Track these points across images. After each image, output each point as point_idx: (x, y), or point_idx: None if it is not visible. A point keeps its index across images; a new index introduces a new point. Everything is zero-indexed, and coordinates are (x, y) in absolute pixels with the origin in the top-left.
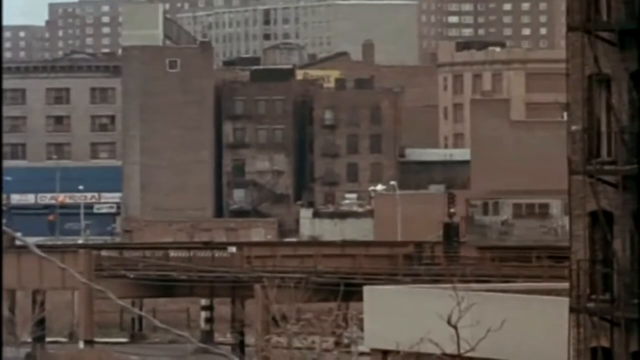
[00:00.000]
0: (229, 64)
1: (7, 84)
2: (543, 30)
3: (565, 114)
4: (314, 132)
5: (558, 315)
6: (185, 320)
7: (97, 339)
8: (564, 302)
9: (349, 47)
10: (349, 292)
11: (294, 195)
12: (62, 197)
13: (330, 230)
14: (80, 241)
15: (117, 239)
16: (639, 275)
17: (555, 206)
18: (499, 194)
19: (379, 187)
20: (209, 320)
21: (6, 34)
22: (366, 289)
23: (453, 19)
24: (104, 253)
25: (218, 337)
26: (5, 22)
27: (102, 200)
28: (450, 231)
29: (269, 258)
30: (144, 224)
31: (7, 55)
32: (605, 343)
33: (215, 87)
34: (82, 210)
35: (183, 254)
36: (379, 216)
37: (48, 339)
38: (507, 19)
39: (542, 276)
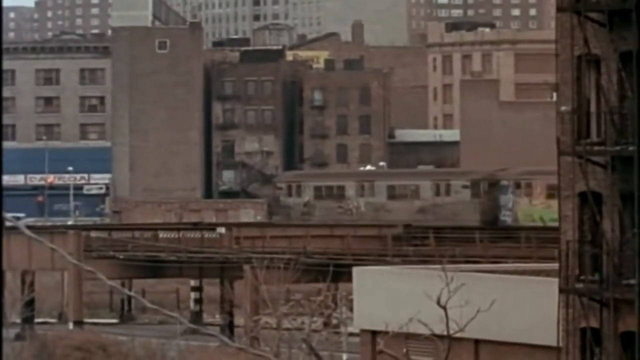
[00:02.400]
0: (218, 44)
1: None
2: (532, 11)
3: (554, 95)
4: (303, 112)
5: (547, 296)
6: (175, 301)
7: (86, 320)
8: (553, 282)
9: (339, 28)
10: (338, 273)
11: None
12: (52, 178)
13: None
14: (69, 222)
15: (106, 220)
16: (628, 255)
17: (351, 188)
18: (302, 177)
19: (368, 167)
20: (198, 301)
21: None
22: (355, 270)
23: (442, 0)
24: (93, 234)
25: (207, 318)
26: None
27: (92, 181)
28: None
29: (258, 239)
30: (133, 205)
31: None
32: (594, 324)
33: (205, 68)
34: (71, 191)
35: (172, 234)
36: None
37: (37, 320)
38: (496, 0)
39: (532, 257)
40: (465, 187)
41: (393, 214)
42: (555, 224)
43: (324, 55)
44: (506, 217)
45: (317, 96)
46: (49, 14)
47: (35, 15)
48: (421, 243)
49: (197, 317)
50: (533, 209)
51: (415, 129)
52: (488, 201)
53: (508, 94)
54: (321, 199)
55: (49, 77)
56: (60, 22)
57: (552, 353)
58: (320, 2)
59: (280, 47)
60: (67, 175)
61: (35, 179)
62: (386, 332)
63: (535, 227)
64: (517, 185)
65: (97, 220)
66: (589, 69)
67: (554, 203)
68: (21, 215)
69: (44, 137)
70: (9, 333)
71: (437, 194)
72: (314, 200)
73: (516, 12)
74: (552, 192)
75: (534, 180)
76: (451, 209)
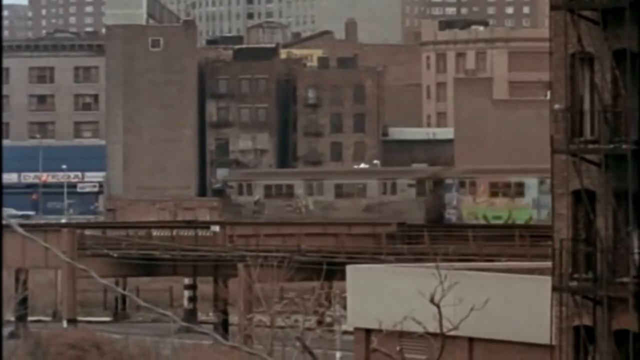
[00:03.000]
0: (212, 42)
1: None
2: (526, 9)
3: (548, 93)
4: (297, 111)
5: (541, 294)
6: (168, 299)
7: (80, 318)
8: (547, 280)
9: (332, 26)
10: (332, 271)
11: None
12: (45, 176)
13: None
14: (63, 220)
15: (100, 218)
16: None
17: (299, 187)
18: (253, 176)
19: (362, 165)
20: (192, 299)
21: None
22: (349, 268)
23: None
24: (87, 232)
25: (201, 316)
26: None
27: (85, 179)
28: None
29: (252, 237)
30: (127, 203)
31: None
32: (587, 322)
33: (199, 66)
34: (65, 189)
35: (166, 232)
36: None
37: (31, 318)
38: None
39: (525, 255)
40: (411, 185)
41: (340, 212)
42: (498, 221)
43: (317, 53)
44: (451, 215)
45: (311, 94)
46: (43, 12)
47: (29, 14)
48: (415, 241)
49: (191, 315)
50: (477, 207)
51: (409, 127)
52: (433, 199)
53: (502, 92)
54: (271, 198)
55: (43, 75)
56: (54, 20)
57: (545, 351)
58: (314, 1)
59: (274, 45)
60: (61, 174)
61: (29, 177)
62: (380, 330)
63: (486, 225)
64: (462, 184)
65: (91, 218)
66: (583, 67)
67: (497, 201)
68: (31, 213)
69: (38, 135)
70: (3, 331)
71: (384, 192)
72: (264, 199)
73: (510, 10)
74: (495, 191)
75: (478, 178)
76: (397, 207)
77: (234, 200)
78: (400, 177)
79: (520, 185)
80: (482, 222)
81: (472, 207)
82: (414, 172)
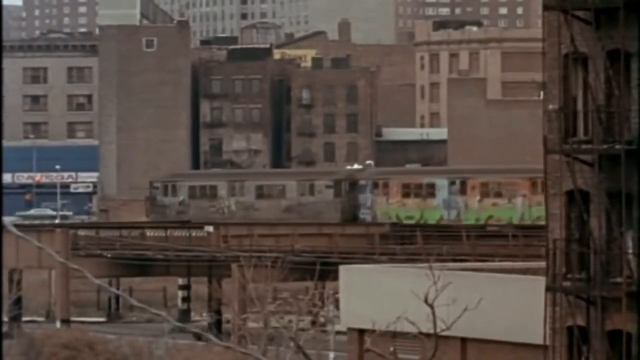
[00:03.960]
0: (206, 43)
1: None
2: (519, 10)
3: (541, 93)
4: (290, 111)
5: (534, 294)
6: (162, 299)
7: (73, 319)
8: (540, 281)
9: (326, 26)
10: (325, 271)
11: None
12: (39, 177)
13: None
14: (56, 220)
15: (94, 218)
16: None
17: (222, 188)
18: (177, 177)
19: (356, 166)
20: (186, 299)
21: None
22: (342, 268)
23: None
24: (80, 232)
25: (195, 316)
26: None
27: (79, 180)
28: None
29: (246, 237)
30: (120, 204)
31: None
32: (581, 322)
33: (192, 66)
34: (58, 190)
35: (160, 233)
36: None
37: (24, 318)
38: None
39: (519, 255)
40: (328, 187)
41: (261, 212)
42: (411, 221)
43: (311, 53)
44: (365, 215)
45: (305, 94)
46: (37, 12)
47: (23, 14)
48: (408, 241)
49: (185, 315)
50: (389, 207)
51: (403, 127)
52: (348, 200)
53: (495, 92)
54: (195, 198)
55: (37, 76)
56: (47, 21)
57: (538, 351)
58: (308, 1)
59: (267, 45)
60: (54, 174)
61: (23, 178)
62: (373, 331)
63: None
64: (375, 185)
65: (84, 218)
66: (576, 67)
67: (408, 201)
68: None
69: (32, 136)
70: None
71: (302, 193)
72: (189, 200)
73: (503, 10)
74: (407, 191)
75: (391, 180)
76: (315, 207)
77: (159, 201)
78: (318, 179)
79: (431, 186)
80: (395, 220)
81: (385, 207)
82: (331, 173)
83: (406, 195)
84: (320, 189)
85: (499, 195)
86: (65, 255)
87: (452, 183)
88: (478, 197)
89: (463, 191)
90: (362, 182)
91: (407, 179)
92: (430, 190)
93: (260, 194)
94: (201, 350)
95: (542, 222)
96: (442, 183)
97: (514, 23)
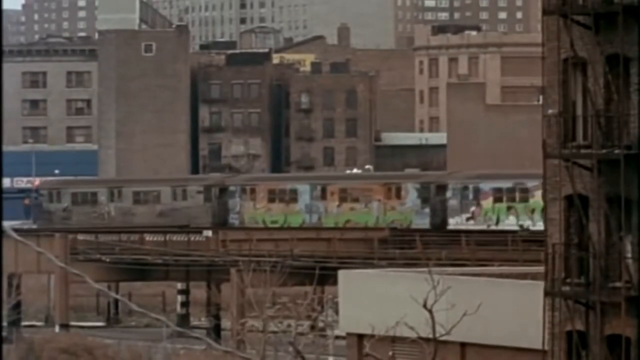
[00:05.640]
0: (205, 47)
1: None
2: (519, 14)
3: (540, 98)
4: (289, 115)
5: (533, 299)
6: (161, 304)
7: (73, 323)
8: (539, 285)
9: (325, 31)
10: (324, 276)
11: None
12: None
13: None
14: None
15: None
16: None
17: (103, 194)
18: (61, 184)
19: (355, 170)
20: (185, 304)
21: None
22: (341, 273)
23: (429, 3)
24: (79, 237)
25: (194, 321)
26: None
27: None
28: None
29: (245, 242)
30: None
31: None
32: (580, 327)
33: (191, 70)
34: None
35: (159, 237)
36: None
37: (24, 323)
38: (483, 3)
39: (518, 260)
40: (199, 192)
41: (138, 217)
42: (275, 225)
43: (310, 58)
44: (234, 220)
45: (304, 99)
46: (36, 17)
47: (22, 18)
48: (407, 246)
49: (183, 320)
50: (256, 212)
51: (402, 132)
52: (218, 205)
53: (494, 97)
54: (78, 205)
55: (36, 80)
56: (46, 25)
57: (537, 356)
58: (307, 6)
59: (266, 50)
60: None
61: (22, 182)
62: (372, 335)
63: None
64: (243, 191)
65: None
66: (576, 71)
67: (274, 206)
68: None
69: (31, 140)
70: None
71: (175, 198)
72: (72, 206)
73: (503, 15)
74: (272, 197)
75: (257, 186)
76: (187, 212)
77: (45, 208)
78: (190, 185)
79: (294, 192)
80: (261, 225)
81: (252, 212)
82: (201, 179)
83: (271, 200)
84: (192, 194)
85: (356, 200)
86: (65, 259)
87: (314, 189)
88: (337, 202)
89: (323, 197)
90: (232, 187)
91: (273, 185)
92: (294, 196)
93: (137, 199)
94: (200, 355)
95: (395, 226)
96: (304, 189)
97: (513, 28)
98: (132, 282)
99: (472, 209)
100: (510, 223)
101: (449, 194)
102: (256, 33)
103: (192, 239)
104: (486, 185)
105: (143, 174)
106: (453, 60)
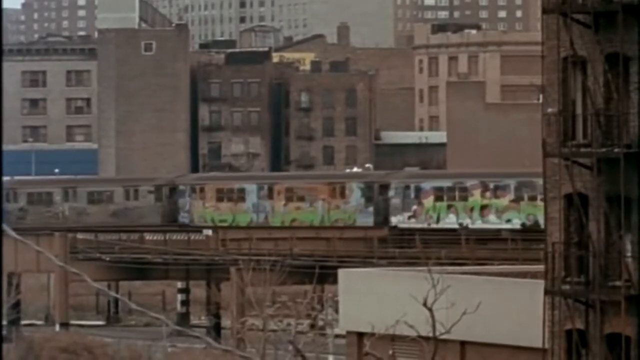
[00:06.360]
0: (204, 46)
1: None
2: (519, 13)
3: (540, 97)
4: (289, 114)
5: (533, 297)
6: (161, 302)
7: (72, 322)
8: (539, 284)
9: (325, 30)
10: (324, 274)
11: None
12: None
13: None
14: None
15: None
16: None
17: (57, 194)
18: (17, 184)
19: (355, 169)
20: (185, 302)
21: None
22: (341, 272)
23: (429, 2)
24: (79, 236)
25: (194, 320)
26: None
27: None
28: None
29: (244, 241)
30: None
31: None
32: (580, 325)
33: (191, 69)
34: None
35: (158, 236)
36: None
37: (23, 322)
38: (482, 2)
39: (517, 259)
40: (150, 192)
41: (91, 217)
42: (224, 224)
43: (310, 57)
44: (184, 219)
45: (303, 98)
46: (35, 15)
47: (22, 17)
48: (407, 245)
49: (183, 318)
50: (205, 211)
51: (402, 131)
52: (169, 204)
53: (494, 95)
54: (33, 205)
55: (35, 79)
56: (46, 24)
57: (537, 355)
58: (306, 5)
59: (266, 49)
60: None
61: None
62: (372, 334)
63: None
64: (193, 190)
65: None
66: (575, 70)
67: (222, 205)
68: None
69: (30, 139)
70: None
71: (128, 198)
72: (28, 206)
73: (502, 13)
74: (221, 196)
75: (207, 185)
76: (139, 212)
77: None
78: (141, 185)
79: (242, 191)
80: (210, 224)
81: (201, 211)
82: (152, 180)
83: (220, 199)
84: (144, 194)
85: (302, 199)
86: (64, 259)
87: (261, 188)
88: (283, 202)
89: (270, 196)
90: (181, 187)
91: (221, 185)
92: (241, 195)
93: (92, 199)
94: (200, 354)
95: (340, 225)
96: (251, 188)
97: (513, 26)
98: (132, 281)
99: (414, 207)
100: (450, 221)
101: (391, 193)
102: (256, 32)
103: (192, 237)
104: (427, 185)
105: (143, 172)
106: (453, 59)
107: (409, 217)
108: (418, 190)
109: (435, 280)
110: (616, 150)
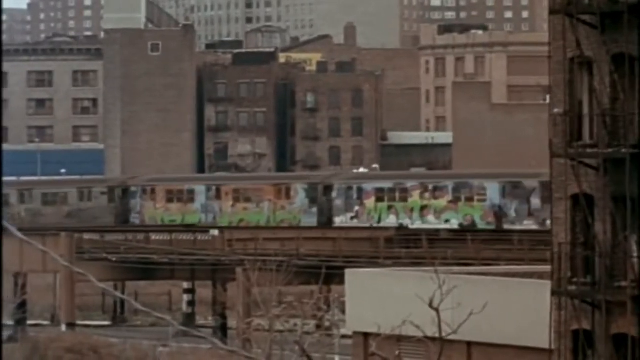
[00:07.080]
0: (211, 47)
1: None
2: (525, 14)
3: (547, 97)
4: (295, 115)
5: (539, 298)
6: (167, 303)
7: (78, 322)
8: (545, 285)
9: (331, 30)
10: (330, 275)
11: None
12: None
13: None
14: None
15: None
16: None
17: (13, 196)
18: None
19: (361, 170)
20: (191, 303)
21: None
22: (348, 272)
23: (435, 2)
24: (85, 236)
25: (199, 320)
26: None
27: None
28: None
29: (251, 241)
30: None
31: None
32: (586, 326)
33: (197, 70)
34: None
35: (164, 236)
36: None
37: (29, 322)
38: (489, 2)
39: (524, 259)
40: (103, 193)
41: (46, 218)
42: (174, 223)
43: (316, 57)
44: (135, 219)
45: (310, 98)
46: (42, 16)
47: (28, 17)
48: (413, 245)
49: (189, 319)
50: (156, 211)
51: (408, 131)
52: (121, 205)
53: (500, 96)
54: None
55: (42, 79)
56: (52, 24)
57: (544, 355)
58: (313, 5)
59: (272, 49)
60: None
61: None
62: (378, 335)
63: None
64: (144, 191)
65: None
66: (582, 71)
67: (172, 206)
68: None
69: (37, 139)
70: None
71: (82, 199)
72: None
73: (509, 14)
74: (171, 197)
75: (157, 186)
76: (93, 213)
77: None
78: (94, 186)
79: (191, 192)
80: (161, 223)
81: (152, 211)
82: (105, 181)
83: (170, 200)
84: (97, 195)
85: (248, 200)
86: (70, 259)
87: (209, 189)
88: (231, 202)
89: (218, 197)
90: (133, 188)
91: (171, 186)
92: (191, 196)
93: (46, 201)
94: (206, 354)
95: (285, 225)
96: (200, 189)
97: (519, 27)
98: (138, 281)
99: (356, 208)
100: (390, 222)
101: (334, 194)
102: (262, 32)
103: (198, 238)
104: (369, 186)
105: (149, 173)
106: (459, 59)
107: (352, 218)
108: (360, 191)
109: (442, 280)
110: (622, 150)
